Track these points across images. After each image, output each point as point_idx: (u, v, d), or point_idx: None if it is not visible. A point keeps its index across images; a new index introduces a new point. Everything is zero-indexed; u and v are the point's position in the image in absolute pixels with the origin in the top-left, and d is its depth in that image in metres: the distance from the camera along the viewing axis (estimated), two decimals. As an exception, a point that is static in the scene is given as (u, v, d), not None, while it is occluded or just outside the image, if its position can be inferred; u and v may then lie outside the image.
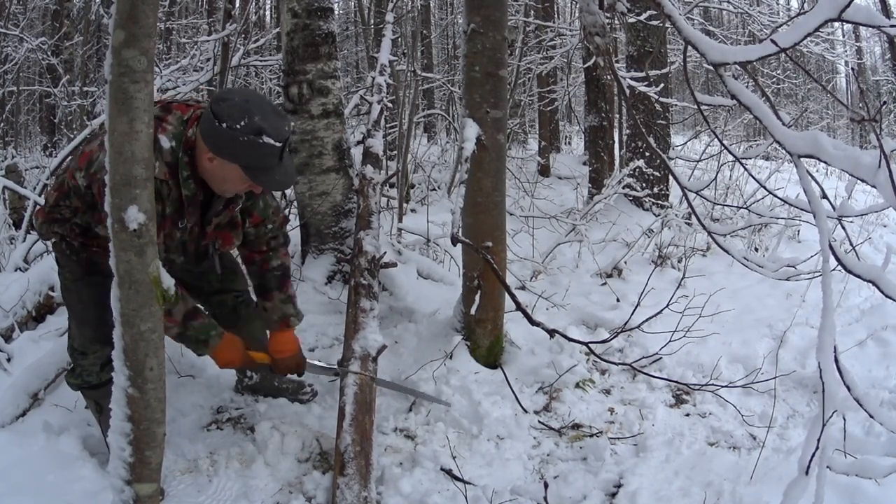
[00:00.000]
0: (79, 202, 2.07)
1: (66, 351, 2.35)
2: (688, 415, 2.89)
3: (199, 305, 2.20)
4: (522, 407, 2.85)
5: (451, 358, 2.97)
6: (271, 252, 2.40)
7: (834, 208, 1.48)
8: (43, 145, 10.22)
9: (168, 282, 1.53)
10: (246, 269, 2.49)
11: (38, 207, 2.27)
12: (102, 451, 2.36)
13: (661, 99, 4.63)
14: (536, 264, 4.60)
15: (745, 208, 2.27)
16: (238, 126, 1.87)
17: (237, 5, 6.61)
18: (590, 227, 5.17)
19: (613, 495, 2.33)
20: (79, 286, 2.21)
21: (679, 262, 4.76)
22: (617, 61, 6.80)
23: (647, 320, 2.55)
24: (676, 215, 5.13)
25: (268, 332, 2.49)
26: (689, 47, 1.52)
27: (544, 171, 8.29)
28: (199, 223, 2.15)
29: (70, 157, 2.32)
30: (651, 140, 2.83)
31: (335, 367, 2.43)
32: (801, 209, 1.45)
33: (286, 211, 4.43)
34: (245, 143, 1.88)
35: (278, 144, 1.92)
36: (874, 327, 3.57)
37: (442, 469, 2.40)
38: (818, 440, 1.20)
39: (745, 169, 1.80)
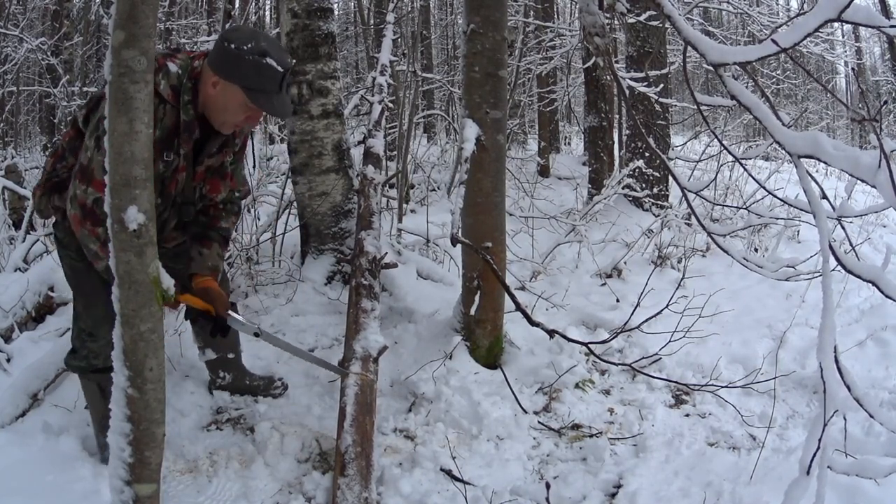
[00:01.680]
0: (74, 158, 2.07)
1: (65, 351, 2.34)
2: (687, 415, 2.89)
3: None
4: (522, 407, 2.85)
5: (450, 358, 2.97)
6: (224, 213, 2.38)
7: (834, 208, 1.48)
8: (43, 145, 10.22)
9: (168, 282, 1.53)
10: (193, 219, 2.40)
11: (35, 186, 2.24)
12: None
13: (661, 99, 4.63)
14: (536, 265, 4.60)
15: (745, 209, 2.27)
16: (245, 47, 1.98)
17: (237, 5, 6.61)
18: (589, 227, 5.17)
19: (613, 496, 2.33)
20: (87, 264, 2.13)
21: (679, 262, 4.76)
22: (617, 62, 6.81)
23: (646, 321, 2.55)
24: (676, 216, 5.13)
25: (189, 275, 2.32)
26: (689, 48, 1.52)
27: (544, 171, 8.29)
28: (191, 162, 2.15)
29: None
30: (651, 140, 2.83)
31: (255, 325, 2.36)
32: (801, 209, 1.45)
33: (286, 211, 4.43)
34: (250, 62, 1.97)
35: (280, 69, 2.01)
36: (874, 327, 3.58)
37: (442, 469, 2.40)
38: (819, 440, 1.20)
39: (745, 169, 1.80)
